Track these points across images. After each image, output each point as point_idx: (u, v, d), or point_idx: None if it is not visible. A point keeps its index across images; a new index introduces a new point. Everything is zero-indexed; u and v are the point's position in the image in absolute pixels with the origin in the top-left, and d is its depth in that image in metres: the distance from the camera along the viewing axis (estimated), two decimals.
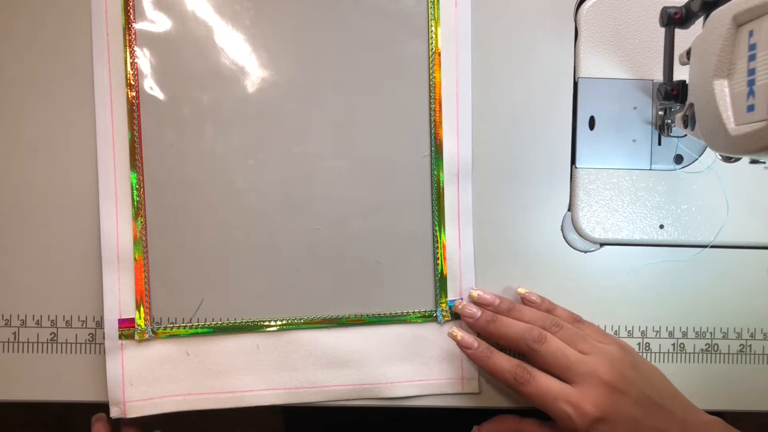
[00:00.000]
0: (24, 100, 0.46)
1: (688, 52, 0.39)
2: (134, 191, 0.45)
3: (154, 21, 0.45)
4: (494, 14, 0.47)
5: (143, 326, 0.45)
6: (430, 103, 0.46)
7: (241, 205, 0.46)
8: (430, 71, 0.46)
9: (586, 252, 0.47)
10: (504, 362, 0.42)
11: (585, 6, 0.47)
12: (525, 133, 0.47)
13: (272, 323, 0.46)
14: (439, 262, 0.46)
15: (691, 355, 0.47)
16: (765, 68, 0.31)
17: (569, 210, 0.47)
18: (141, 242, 0.45)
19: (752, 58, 0.32)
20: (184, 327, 0.46)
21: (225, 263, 0.46)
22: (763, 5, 0.31)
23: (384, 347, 0.46)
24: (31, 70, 0.46)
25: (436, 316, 0.46)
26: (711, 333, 0.47)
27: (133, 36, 0.45)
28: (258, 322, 0.46)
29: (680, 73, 0.41)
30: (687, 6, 0.39)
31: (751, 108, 0.32)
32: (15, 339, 0.46)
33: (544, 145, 0.47)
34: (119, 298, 0.45)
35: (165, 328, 0.46)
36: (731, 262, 0.47)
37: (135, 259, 0.45)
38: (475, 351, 0.44)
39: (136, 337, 0.45)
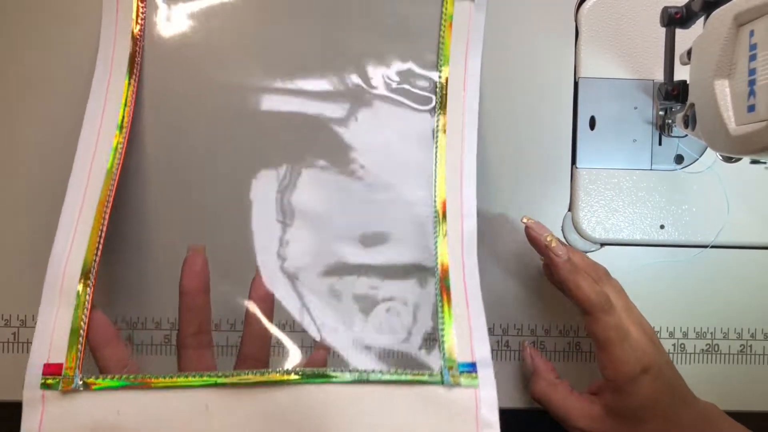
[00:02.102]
0: (24, 101, 0.46)
1: (689, 52, 0.39)
2: (95, 227, 0.39)
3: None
4: (494, 14, 0.47)
5: (71, 374, 0.37)
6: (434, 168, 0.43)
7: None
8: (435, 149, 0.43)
9: (586, 252, 0.47)
10: (589, 285, 0.40)
11: (585, 6, 0.47)
12: (525, 132, 0.47)
13: (232, 376, 0.35)
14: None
15: (692, 355, 0.47)
16: (766, 68, 0.31)
17: (569, 210, 0.47)
18: (90, 273, 0.38)
19: (753, 58, 0.32)
20: (118, 378, 0.35)
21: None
22: (764, 5, 0.31)
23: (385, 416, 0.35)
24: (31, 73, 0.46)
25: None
26: (711, 333, 0.47)
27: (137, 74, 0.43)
28: (216, 375, 0.35)
29: (681, 73, 0.41)
30: (687, 6, 0.39)
31: (751, 108, 0.32)
32: (15, 339, 0.46)
33: (544, 145, 0.47)
34: (52, 337, 0.37)
35: (100, 378, 0.36)
36: (732, 262, 0.47)
37: (78, 293, 0.38)
38: (562, 261, 0.40)
39: (61, 386, 0.36)
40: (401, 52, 0.45)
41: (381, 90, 0.44)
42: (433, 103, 0.44)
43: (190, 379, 0.35)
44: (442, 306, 0.38)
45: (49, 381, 0.37)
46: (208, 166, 0.45)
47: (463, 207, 0.42)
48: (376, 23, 0.45)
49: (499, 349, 0.47)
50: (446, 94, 0.43)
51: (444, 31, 0.44)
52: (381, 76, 0.44)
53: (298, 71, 0.45)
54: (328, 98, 0.45)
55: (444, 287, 0.39)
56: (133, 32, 0.43)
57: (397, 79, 0.44)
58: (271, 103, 0.45)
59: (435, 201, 0.42)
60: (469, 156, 0.43)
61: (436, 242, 0.41)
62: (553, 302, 0.47)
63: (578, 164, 0.47)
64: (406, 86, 0.44)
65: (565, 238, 0.47)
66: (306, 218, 0.44)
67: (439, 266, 0.40)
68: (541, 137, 0.47)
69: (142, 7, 0.43)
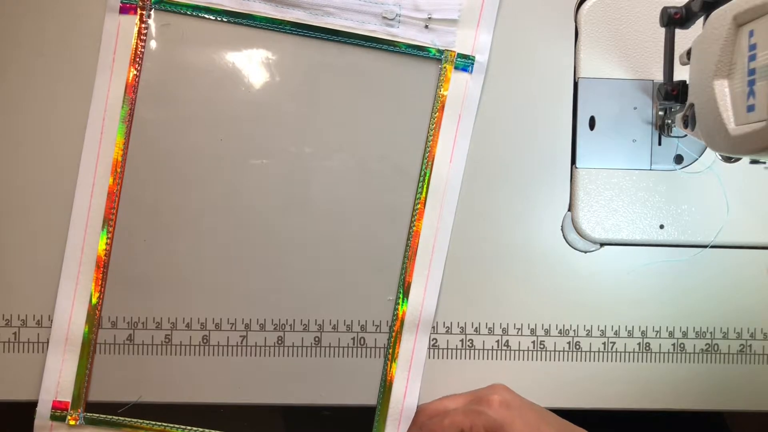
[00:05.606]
0: (26, 101, 0.46)
1: (689, 52, 0.39)
2: (95, 278, 0.45)
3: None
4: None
5: (77, 412, 0.45)
6: (405, 251, 0.46)
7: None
8: (412, 220, 0.46)
9: (586, 252, 0.47)
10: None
11: (585, 6, 0.47)
12: (525, 133, 0.47)
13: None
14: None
15: (691, 355, 0.47)
16: (765, 68, 0.31)
17: (569, 210, 0.47)
18: (92, 328, 0.45)
19: (752, 58, 0.32)
20: (118, 421, 0.45)
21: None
22: (763, 5, 0.31)
23: None
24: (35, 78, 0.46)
25: None
26: (711, 333, 0.47)
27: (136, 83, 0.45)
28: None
29: (680, 73, 0.41)
30: (687, 6, 0.39)
31: (751, 108, 0.32)
32: (15, 339, 0.46)
33: (544, 145, 0.47)
34: (59, 380, 0.45)
35: (102, 418, 0.45)
36: (731, 262, 0.47)
37: (83, 343, 0.45)
38: None
39: (68, 420, 0.44)
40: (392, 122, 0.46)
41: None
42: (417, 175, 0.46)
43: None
44: None
45: (58, 414, 0.44)
46: (205, 160, 0.46)
47: (426, 290, 0.46)
48: (370, 91, 0.47)
49: (499, 349, 0.47)
50: (431, 168, 0.46)
51: (437, 103, 0.46)
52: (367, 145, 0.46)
53: (289, 134, 0.47)
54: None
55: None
56: (127, 80, 0.45)
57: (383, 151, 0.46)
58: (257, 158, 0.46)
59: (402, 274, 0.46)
60: (442, 235, 0.46)
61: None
62: (553, 302, 0.47)
63: (578, 164, 0.47)
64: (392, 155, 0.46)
65: (565, 238, 0.47)
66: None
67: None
68: (541, 137, 0.47)
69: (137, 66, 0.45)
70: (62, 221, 0.46)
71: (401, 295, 0.46)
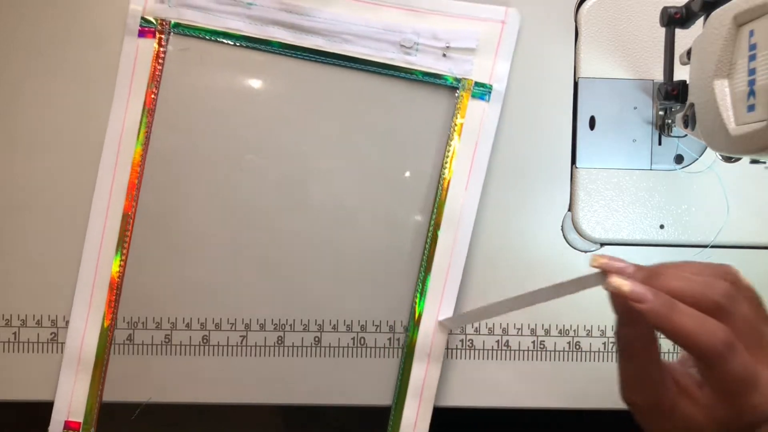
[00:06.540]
0: (27, 101, 0.46)
1: (689, 52, 0.39)
2: (108, 300, 0.45)
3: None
4: None
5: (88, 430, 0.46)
6: (419, 273, 0.46)
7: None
8: (425, 251, 0.46)
9: (586, 252, 0.47)
10: (694, 325, 0.30)
11: (585, 6, 0.47)
12: (525, 133, 0.47)
13: None
14: None
15: None
16: (765, 68, 0.31)
17: (569, 210, 0.47)
18: (104, 349, 0.45)
19: (753, 58, 0.32)
20: None
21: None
22: (764, 5, 0.31)
23: None
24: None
25: None
26: None
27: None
28: None
29: (680, 73, 0.41)
30: (687, 6, 0.39)
31: (751, 108, 0.32)
32: (15, 339, 0.46)
33: (544, 145, 0.47)
34: (71, 400, 0.45)
35: None
36: (731, 262, 0.47)
37: (95, 364, 0.45)
38: (652, 305, 0.30)
39: None
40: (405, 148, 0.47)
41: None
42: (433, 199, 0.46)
43: None
44: None
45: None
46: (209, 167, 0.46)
47: (438, 319, 0.46)
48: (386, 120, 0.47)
49: (499, 349, 0.47)
50: (446, 191, 0.46)
51: (453, 131, 0.46)
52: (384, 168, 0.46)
53: (307, 158, 0.47)
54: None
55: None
56: (145, 103, 0.45)
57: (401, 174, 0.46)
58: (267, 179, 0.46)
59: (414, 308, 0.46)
60: (455, 266, 0.46)
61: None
62: (553, 302, 0.47)
63: (578, 164, 0.47)
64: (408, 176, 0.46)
65: (565, 238, 0.47)
66: None
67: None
68: (541, 137, 0.47)
69: (154, 88, 0.45)
70: (63, 220, 0.46)
71: (412, 325, 0.46)
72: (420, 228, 0.46)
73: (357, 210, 0.47)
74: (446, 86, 0.46)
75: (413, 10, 0.46)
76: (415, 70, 0.46)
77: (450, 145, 0.46)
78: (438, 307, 0.46)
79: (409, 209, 0.46)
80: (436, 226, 0.46)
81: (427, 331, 0.46)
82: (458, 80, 0.46)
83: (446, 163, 0.46)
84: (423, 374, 0.46)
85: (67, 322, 0.46)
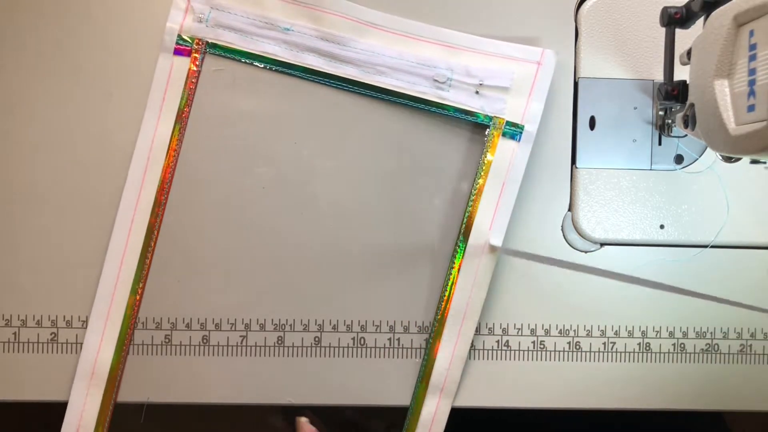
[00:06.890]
0: (28, 100, 0.46)
1: (689, 52, 0.39)
2: (126, 315, 0.45)
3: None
4: (494, 14, 0.47)
5: None
6: (436, 313, 0.46)
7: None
8: (444, 290, 0.46)
9: (586, 252, 0.47)
10: None
11: (585, 6, 0.47)
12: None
13: None
14: None
15: (691, 355, 0.47)
16: (765, 68, 0.31)
17: (569, 210, 0.47)
18: (118, 365, 0.45)
19: (753, 58, 0.32)
20: None
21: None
22: (764, 5, 0.31)
23: None
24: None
25: None
26: (711, 333, 0.47)
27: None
28: None
29: (681, 73, 0.41)
30: (687, 6, 0.39)
31: (751, 108, 0.32)
32: (15, 339, 0.46)
33: (544, 145, 0.47)
34: (82, 414, 0.45)
35: None
36: (731, 262, 0.47)
37: (108, 379, 0.45)
38: None
39: None
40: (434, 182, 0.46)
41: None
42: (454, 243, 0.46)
43: None
44: None
45: None
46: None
47: (453, 356, 0.46)
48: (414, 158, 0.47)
49: (499, 349, 0.47)
50: (469, 233, 0.45)
51: (481, 169, 0.46)
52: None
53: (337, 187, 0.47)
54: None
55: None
56: (176, 120, 0.46)
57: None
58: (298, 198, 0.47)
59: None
60: (474, 304, 0.46)
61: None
62: (553, 302, 0.47)
63: (578, 164, 0.47)
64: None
65: (565, 238, 0.47)
66: None
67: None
68: (541, 137, 0.47)
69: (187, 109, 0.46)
70: (64, 220, 0.46)
71: (427, 358, 0.46)
72: (421, 229, 0.46)
73: (362, 217, 0.47)
74: (477, 123, 0.46)
75: (448, 46, 0.46)
76: (448, 105, 0.46)
77: (477, 183, 0.45)
78: (454, 344, 0.46)
79: (431, 235, 0.47)
80: (457, 269, 0.46)
81: (442, 367, 0.46)
82: (490, 118, 0.46)
83: (471, 200, 0.45)
84: (434, 409, 0.46)
85: (68, 323, 0.46)
